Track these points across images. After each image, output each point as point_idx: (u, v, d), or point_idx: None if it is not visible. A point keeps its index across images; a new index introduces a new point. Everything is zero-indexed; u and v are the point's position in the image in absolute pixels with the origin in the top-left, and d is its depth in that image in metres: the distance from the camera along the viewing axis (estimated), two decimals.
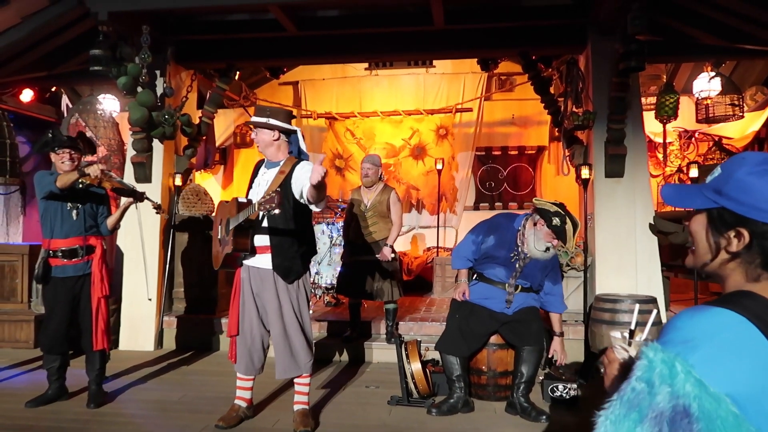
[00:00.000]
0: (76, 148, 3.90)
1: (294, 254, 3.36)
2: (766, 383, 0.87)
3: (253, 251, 3.35)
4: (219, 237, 3.47)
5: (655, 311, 1.34)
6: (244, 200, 3.34)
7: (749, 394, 0.86)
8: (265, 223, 3.33)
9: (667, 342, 0.92)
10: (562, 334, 3.97)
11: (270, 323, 3.42)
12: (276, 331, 3.39)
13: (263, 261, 3.37)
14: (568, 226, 3.52)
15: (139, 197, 3.90)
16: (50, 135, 3.89)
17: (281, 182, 3.28)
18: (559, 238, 3.56)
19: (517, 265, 3.76)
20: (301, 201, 3.24)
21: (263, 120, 3.38)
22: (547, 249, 3.63)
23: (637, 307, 1.44)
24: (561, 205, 3.64)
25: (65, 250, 3.85)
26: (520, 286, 3.82)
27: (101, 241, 4.02)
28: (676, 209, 7.48)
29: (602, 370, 1.23)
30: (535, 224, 3.66)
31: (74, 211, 3.88)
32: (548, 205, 3.62)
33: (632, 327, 1.24)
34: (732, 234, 1.01)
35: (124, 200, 3.95)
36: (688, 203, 1.10)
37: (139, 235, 5.73)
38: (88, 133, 6.65)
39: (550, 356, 3.93)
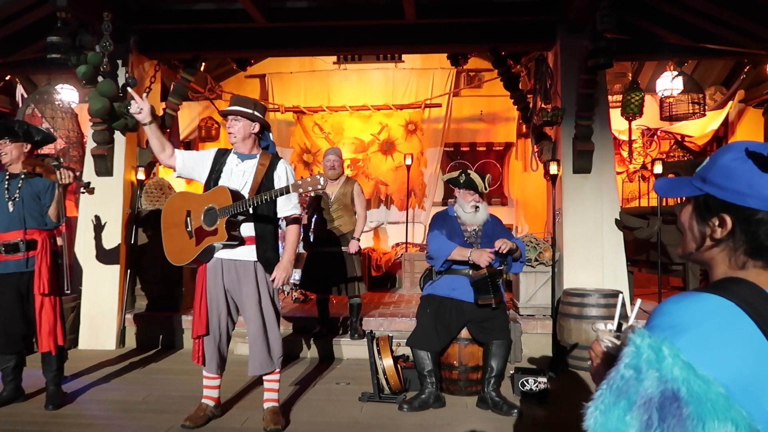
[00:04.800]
0: (13, 136, 3.69)
1: (274, 245, 3.40)
2: (756, 368, 0.86)
3: (242, 241, 3.28)
4: (189, 229, 3.31)
5: (639, 301, 1.32)
6: (236, 189, 3.24)
7: (739, 378, 0.85)
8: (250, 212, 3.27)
9: (654, 327, 0.90)
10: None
11: (248, 318, 3.34)
12: (254, 325, 3.31)
13: (245, 252, 3.31)
14: (473, 174, 3.92)
15: (63, 177, 3.61)
16: None
17: (264, 175, 3.32)
18: (472, 189, 3.91)
19: (474, 245, 3.89)
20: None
21: (249, 111, 3.34)
22: (476, 208, 3.92)
23: (620, 297, 1.42)
24: (462, 168, 4.08)
25: (7, 245, 3.65)
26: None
27: (46, 236, 3.75)
28: (641, 205, 7.66)
29: (589, 364, 1.22)
30: (455, 199, 4.01)
31: (10, 203, 3.66)
32: (451, 174, 4.04)
33: (616, 319, 1.23)
34: (716, 221, 1.00)
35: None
36: (676, 193, 1.10)
37: (100, 230, 5.57)
38: (45, 125, 6.37)
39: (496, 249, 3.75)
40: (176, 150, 3.39)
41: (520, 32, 5.64)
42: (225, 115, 3.41)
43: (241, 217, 3.23)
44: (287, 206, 3.39)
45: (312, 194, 5.18)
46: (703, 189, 1.02)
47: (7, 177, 3.74)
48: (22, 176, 3.71)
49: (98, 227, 5.57)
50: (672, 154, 8.08)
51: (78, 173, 3.73)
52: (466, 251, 3.79)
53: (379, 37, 5.80)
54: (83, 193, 3.90)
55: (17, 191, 3.69)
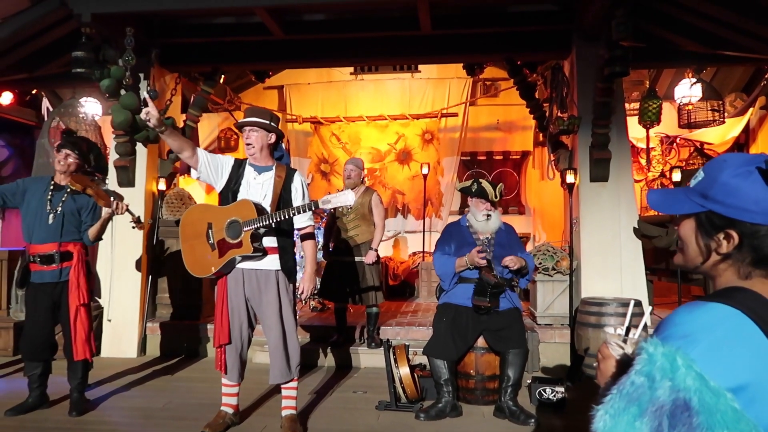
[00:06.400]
0: (77, 150, 3.83)
1: (294, 255, 3.49)
2: (763, 373, 0.89)
3: (265, 253, 3.34)
4: (211, 241, 3.36)
5: (650, 308, 1.34)
6: (258, 203, 3.30)
7: (747, 384, 0.88)
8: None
9: (667, 337, 0.93)
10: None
11: (268, 326, 3.38)
12: (275, 334, 3.36)
13: (266, 262, 3.36)
14: (484, 183, 3.97)
15: (118, 209, 3.73)
16: (63, 134, 3.89)
17: (282, 187, 3.39)
18: (484, 197, 3.95)
19: (487, 253, 3.89)
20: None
21: (266, 122, 3.40)
22: (488, 216, 3.96)
23: (632, 303, 1.42)
24: (474, 177, 4.15)
25: (42, 256, 3.76)
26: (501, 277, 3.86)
27: (80, 248, 3.86)
28: (660, 213, 7.59)
29: (595, 365, 1.23)
30: (468, 208, 4.08)
31: (51, 215, 3.77)
32: (464, 183, 4.07)
33: (626, 325, 1.25)
34: (721, 236, 1.03)
35: (104, 211, 3.76)
36: (675, 209, 1.11)
37: (121, 239, 5.68)
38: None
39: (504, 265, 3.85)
40: (198, 150, 3.38)
41: (536, 41, 5.65)
42: (242, 126, 3.44)
43: (263, 230, 3.29)
44: (303, 218, 3.44)
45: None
46: (705, 206, 1.04)
47: (51, 187, 3.84)
48: (68, 190, 3.81)
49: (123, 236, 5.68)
50: (692, 162, 7.98)
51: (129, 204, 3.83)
52: (463, 260, 3.86)
53: (396, 48, 5.86)
54: (134, 228, 3.97)
55: (60, 204, 3.80)
